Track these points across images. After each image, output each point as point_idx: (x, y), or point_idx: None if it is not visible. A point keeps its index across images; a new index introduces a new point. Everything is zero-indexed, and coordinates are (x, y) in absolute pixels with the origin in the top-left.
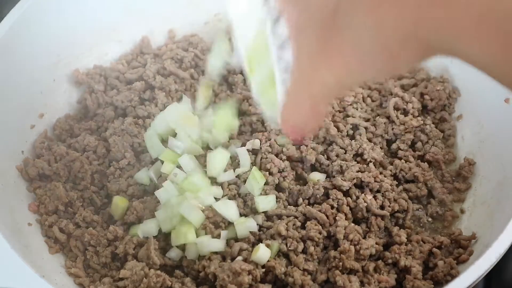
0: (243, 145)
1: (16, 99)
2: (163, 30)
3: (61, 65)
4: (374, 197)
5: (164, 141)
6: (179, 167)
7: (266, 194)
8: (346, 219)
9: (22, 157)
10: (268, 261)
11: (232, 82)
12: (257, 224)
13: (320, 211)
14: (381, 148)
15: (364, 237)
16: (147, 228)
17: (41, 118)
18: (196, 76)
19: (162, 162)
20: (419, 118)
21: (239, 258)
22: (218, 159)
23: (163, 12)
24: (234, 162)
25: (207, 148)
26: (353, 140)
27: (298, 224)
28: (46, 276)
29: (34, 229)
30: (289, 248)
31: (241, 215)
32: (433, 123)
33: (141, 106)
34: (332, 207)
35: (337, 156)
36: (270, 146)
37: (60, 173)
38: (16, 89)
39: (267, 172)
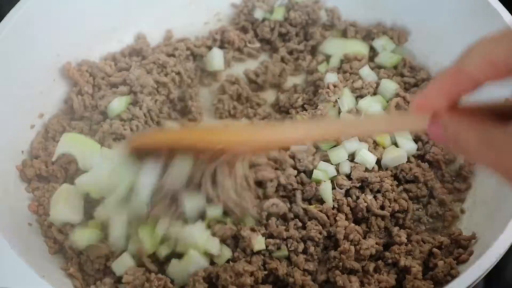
0: None
1: (16, 99)
2: (162, 30)
3: (61, 65)
4: (374, 197)
5: None
6: None
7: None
8: (346, 219)
9: (22, 157)
10: (269, 263)
11: None
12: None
13: (320, 211)
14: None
15: (364, 237)
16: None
17: (41, 118)
18: (177, 81)
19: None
20: None
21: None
22: None
23: (163, 12)
24: None
25: None
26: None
27: (299, 224)
28: (46, 276)
29: (34, 229)
30: (290, 249)
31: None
32: None
33: (125, 110)
34: (333, 207)
35: None
36: None
37: (57, 175)
38: (16, 89)
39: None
